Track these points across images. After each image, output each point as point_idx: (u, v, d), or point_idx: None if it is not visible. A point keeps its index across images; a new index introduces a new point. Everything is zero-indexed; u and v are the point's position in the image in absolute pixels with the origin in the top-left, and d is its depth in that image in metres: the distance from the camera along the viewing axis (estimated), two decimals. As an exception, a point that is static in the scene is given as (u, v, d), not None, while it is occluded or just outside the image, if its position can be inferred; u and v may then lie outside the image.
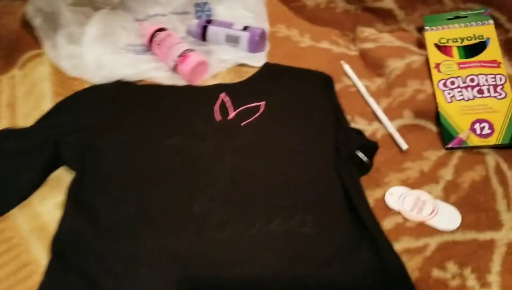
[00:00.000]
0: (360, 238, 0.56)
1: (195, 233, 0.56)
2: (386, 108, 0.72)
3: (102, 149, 0.65)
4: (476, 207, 0.60)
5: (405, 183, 0.64)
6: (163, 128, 0.68)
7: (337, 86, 0.75)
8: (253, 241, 0.56)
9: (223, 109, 0.71)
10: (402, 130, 0.69)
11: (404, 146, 0.67)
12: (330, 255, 0.54)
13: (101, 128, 0.68)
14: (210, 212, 0.58)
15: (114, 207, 0.59)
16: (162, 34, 0.80)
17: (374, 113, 0.72)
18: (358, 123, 0.71)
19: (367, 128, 0.70)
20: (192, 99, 0.73)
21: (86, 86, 0.76)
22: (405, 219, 0.60)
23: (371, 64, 0.78)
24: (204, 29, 0.83)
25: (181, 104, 0.72)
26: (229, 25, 0.82)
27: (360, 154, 0.64)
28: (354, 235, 0.56)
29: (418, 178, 0.64)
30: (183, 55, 0.77)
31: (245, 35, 0.80)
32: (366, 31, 0.82)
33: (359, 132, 0.68)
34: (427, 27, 0.76)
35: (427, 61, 0.74)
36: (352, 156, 0.64)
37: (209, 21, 0.83)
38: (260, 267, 0.53)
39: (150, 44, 0.81)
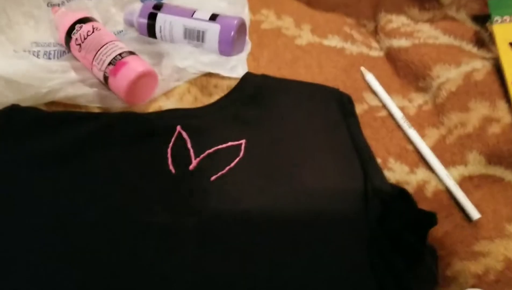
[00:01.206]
0: None
1: None
2: (437, 145, 0.46)
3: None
4: None
5: (483, 280, 0.39)
6: (78, 192, 0.41)
7: (357, 109, 0.49)
8: None
9: (180, 154, 0.44)
10: (466, 184, 0.44)
11: (475, 214, 0.41)
12: None
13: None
14: None
15: None
16: (84, 27, 0.52)
17: (418, 152, 0.46)
18: (393, 170, 0.45)
19: (409, 179, 0.45)
20: (130, 137, 0.45)
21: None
22: None
23: (406, 72, 0.52)
24: (152, 18, 0.54)
25: (112, 146, 0.44)
26: (189, 13, 0.54)
27: (411, 238, 0.38)
28: None
29: (504, 272, 0.39)
30: (117, 62, 0.49)
31: (214, 29, 0.52)
32: (395, 20, 0.55)
33: (402, 194, 0.41)
34: (496, 17, 0.50)
35: (497, 70, 0.48)
36: (395, 239, 0.38)
37: (159, 7, 0.55)
38: None
39: (68, 43, 0.52)
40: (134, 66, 0.49)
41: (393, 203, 0.40)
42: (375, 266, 0.37)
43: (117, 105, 0.50)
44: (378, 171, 0.42)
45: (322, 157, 0.44)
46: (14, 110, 0.46)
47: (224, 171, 0.43)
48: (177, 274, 0.37)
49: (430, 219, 0.39)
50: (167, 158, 0.44)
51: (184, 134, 0.45)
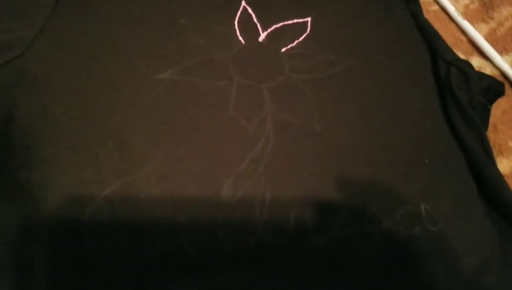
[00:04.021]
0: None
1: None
2: (488, 37, 0.48)
3: (40, 89, 0.36)
4: None
5: (544, 148, 0.41)
6: (151, 53, 0.40)
7: (409, 4, 0.49)
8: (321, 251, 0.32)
9: (248, 26, 0.43)
10: (519, 69, 0.46)
11: (532, 92, 0.44)
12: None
13: (41, 49, 0.39)
14: (236, 203, 0.33)
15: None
16: None
17: (472, 43, 0.48)
18: (450, 57, 0.46)
19: (465, 65, 0.46)
20: (196, 8, 0.44)
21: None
22: None
23: (451, -26, 0.53)
24: None
25: (179, 15, 0.43)
26: None
27: (483, 100, 0.40)
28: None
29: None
30: None
31: None
32: None
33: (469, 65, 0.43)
34: None
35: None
36: (473, 103, 0.39)
37: None
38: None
39: None
40: None
41: (471, 70, 0.41)
42: (457, 126, 0.38)
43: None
44: (448, 47, 0.43)
45: (388, 36, 0.44)
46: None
47: (293, 44, 0.43)
48: (260, 129, 0.36)
49: (500, 87, 0.41)
50: (234, 30, 0.43)
51: (249, 9, 0.44)
